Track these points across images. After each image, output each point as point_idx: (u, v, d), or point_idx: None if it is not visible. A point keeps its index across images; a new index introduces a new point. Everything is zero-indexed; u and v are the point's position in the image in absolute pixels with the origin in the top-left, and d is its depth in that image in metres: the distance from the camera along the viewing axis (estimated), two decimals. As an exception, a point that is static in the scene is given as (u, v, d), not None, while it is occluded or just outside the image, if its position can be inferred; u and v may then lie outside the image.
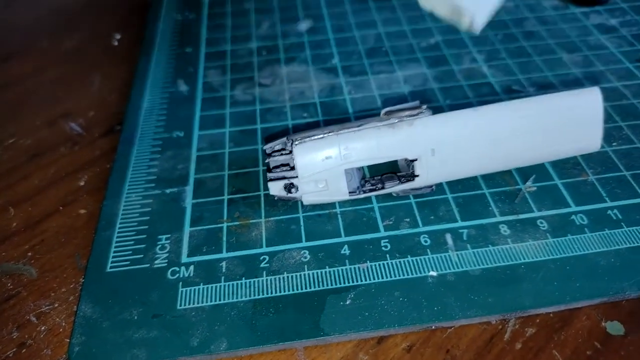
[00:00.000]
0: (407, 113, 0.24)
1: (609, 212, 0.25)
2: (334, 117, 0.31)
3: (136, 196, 0.27)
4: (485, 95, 0.32)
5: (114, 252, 0.25)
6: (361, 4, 0.42)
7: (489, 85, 0.33)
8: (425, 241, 0.24)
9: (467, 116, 0.24)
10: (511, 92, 0.32)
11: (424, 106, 0.25)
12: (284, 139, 0.25)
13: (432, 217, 0.25)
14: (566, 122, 0.25)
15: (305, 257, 0.24)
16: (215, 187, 0.28)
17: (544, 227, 0.25)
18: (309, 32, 0.39)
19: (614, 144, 0.28)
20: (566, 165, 0.27)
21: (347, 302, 0.22)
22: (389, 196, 0.26)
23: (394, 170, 0.27)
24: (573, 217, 0.25)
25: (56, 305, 0.24)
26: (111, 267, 0.24)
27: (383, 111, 0.25)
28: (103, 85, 0.36)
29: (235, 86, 0.34)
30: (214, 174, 0.28)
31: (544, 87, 0.32)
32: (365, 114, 0.31)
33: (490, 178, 0.27)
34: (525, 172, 0.27)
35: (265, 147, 0.25)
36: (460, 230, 0.25)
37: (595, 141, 0.26)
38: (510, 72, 0.34)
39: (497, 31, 0.37)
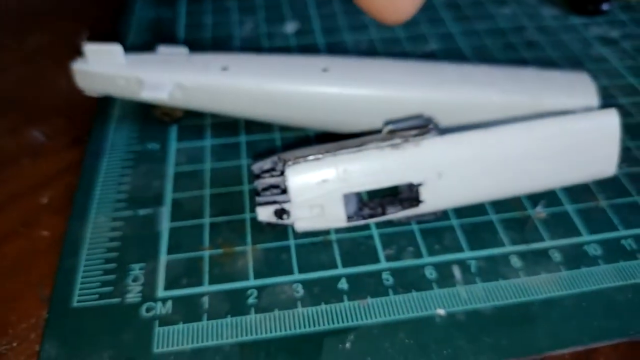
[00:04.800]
0: (412, 132, 0.22)
1: (623, 241, 0.23)
2: (327, 132, 0.29)
3: (105, 218, 0.24)
4: (486, 110, 0.30)
5: (81, 283, 0.22)
6: (351, 5, 0.39)
7: (489, 99, 0.31)
8: (431, 274, 0.22)
9: (477, 137, 0.22)
10: (513, 107, 0.30)
11: (431, 125, 0.22)
12: (275, 157, 0.23)
13: (437, 246, 0.23)
14: (580, 145, 0.23)
15: (299, 292, 0.21)
16: (195, 208, 0.25)
17: (556, 258, 0.23)
18: (297, 35, 0.36)
19: (623, 165, 0.27)
20: (575, 190, 0.26)
21: (347, 346, 0.20)
22: (389, 222, 0.24)
23: (394, 192, 0.24)
24: (586, 247, 0.23)
25: (14, 344, 0.21)
26: (78, 301, 0.21)
27: (385, 129, 0.23)
28: (70, 88, 0.33)
29: (217, 93, 0.31)
30: (193, 193, 0.25)
31: (547, 102, 0.30)
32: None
33: (497, 203, 0.25)
34: (534, 197, 0.25)
35: (253, 167, 0.23)
36: (468, 262, 0.22)
37: (609, 166, 0.24)
38: (510, 85, 0.32)
39: (495, 40, 0.36)
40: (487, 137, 0.22)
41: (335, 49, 0.35)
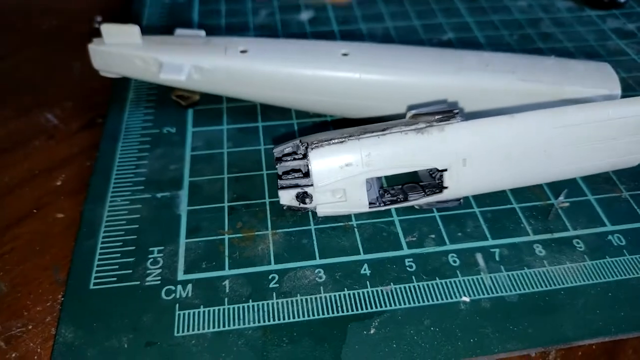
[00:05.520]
0: (437, 117, 0.22)
1: (647, 232, 0.23)
2: (344, 117, 0.28)
3: (122, 200, 0.24)
4: (505, 99, 0.29)
5: (98, 265, 0.21)
6: (366, -5, 0.39)
7: (508, 89, 0.30)
8: (454, 261, 0.22)
9: (503, 123, 0.22)
10: (532, 97, 0.30)
11: (456, 110, 0.22)
12: (296, 141, 0.22)
13: (459, 234, 0.23)
14: (608, 134, 0.23)
15: (321, 277, 0.21)
16: (213, 192, 0.24)
17: (580, 247, 0.22)
18: (311, 23, 0.36)
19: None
20: (597, 180, 0.25)
21: (372, 331, 0.19)
22: (410, 208, 0.24)
23: (413, 179, 0.24)
24: (610, 237, 0.23)
25: (30, 327, 0.20)
26: (95, 284, 0.21)
27: (409, 113, 0.22)
28: (83, 71, 0.32)
29: (232, 79, 0.31)
30: (211, 177, 0.25)
31: (567, 93, 0.30)
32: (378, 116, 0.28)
33: (519, 191, 0.24)
34: (556, 186, 0.25)
35: (274, 150, 0.22)
36: (492, 250, 0.22)
37: (636, 156, 0.23)
38: (529, 75, 0.31)
39: (512, 31, 0.35)
40: (513, 124, 0.22)
41: (351, 37, 0.34)
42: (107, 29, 0.26)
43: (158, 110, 0.29)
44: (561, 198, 0.24)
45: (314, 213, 0.23)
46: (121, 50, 0.26)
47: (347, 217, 0.23)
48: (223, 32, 0.35)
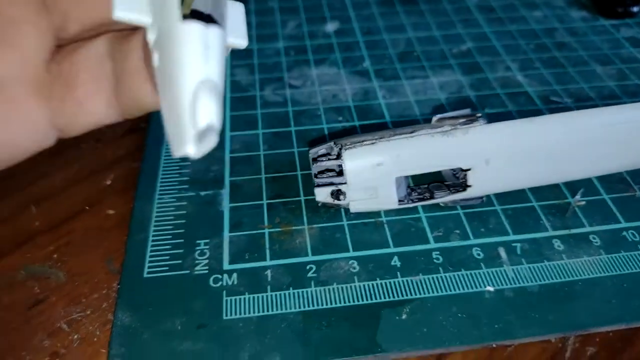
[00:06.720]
0: (461, 120, 0.24)
1: (660, 229, 0.25)
2: (371, 122, 0.30)
3: (169, 198, 0.26)
4: (523, 105, 0.31)
5: (151, 256, 0.23)
6: (388, 7, 0.41)
7: (526, 95, 0.32)
8: (478, 254, 0.23)
9: (524, 126, 0.23)
10: (549, 103, 0.31)
11: (479, 114, 0.24)
12: (331, 143, 0.24)
13: (482, 230, 0.24)
14: (624, 136, 0.24)
15: (354, 268, 0.23)
16: (252, 190, 0.26)
17: (596, 242, 0.24)
18: (337, 34, 0.38)
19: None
20: (612, 179, 0.27)
21: (403, 317, 0.21)
22: (435, 206, 0.25)
23: (437, 178, 0.26)
24: (625, 233, 0.24)
25: (88, 312, 0.22)
26: (148, 272, 0.23)
27: (435, 118, 0.24)
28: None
29: (265, 86, 0.33)
30: (250, 177, 0.27)
31: (582, 100, 0.32)
32: (404, 120, 0.30)
33: (538, 190, 0.26)
34: (572, 185, 0.26)
35: (310, 152, 0.24)
36: (514, 244, 0.24)
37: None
38: (545, 83, 0.33)
39: (528, 40, 0.37)
40: (534, 127, 0.24)
41: (374, 47, 0.36)
42: None
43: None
44: (578, 197, 0.26)
45: (346, 210, 0.25)
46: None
47: (377, 214, 0.25)
48: (254, 43, 0.37)
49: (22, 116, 0.17)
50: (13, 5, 0.16)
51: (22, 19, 0.16)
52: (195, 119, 0.13)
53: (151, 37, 0.15)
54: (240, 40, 0.17)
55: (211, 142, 0.14)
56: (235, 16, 0.17)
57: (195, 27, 0.14)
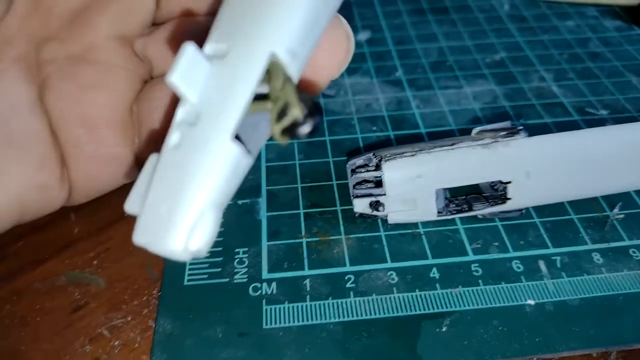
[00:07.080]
0: (502, 133, 0.24)
1: (701, 244, 0.24)
2: (405, 132, 0.30)
3: (207, 206, 0.26)
4: (559, 116, 0.31)
5: (190, 264, 0.24)
6: (420, 16, 0.41)
7: (561, 106, 0.32)
8: (518, 267, 0.23)
9: (565, 139, 0.23)
10: (585, 114, 0.31)
11: (520, 127, 0.24)
12: (370, 154, 0.24)
13: (521, 242, 0.24)
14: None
15: (393, 279, 0.23)
16: (289, 200, 0.26)
17: (637, 256, 0.24)
18: (369, 43, 0.38)
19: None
20: (651, 193, 0.26)
21: (444, 329, 0.21)
22: (473, 218, 0.25)
23: (474, 190, 0.26)
24: (665, 248, 0.24)
25: (129, 318, 0.23)
26: (188, 280, 0.23)
27: (475, 130, 0.24)
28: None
29: (298, 95, 0.33)
30: (286, 186, 0.27)
31: (618, 111, 0.31)
32: (439, 131, 0.30)
33: (576, 203, 0.26)
34: (610, 199, 0.26)
35: (348, 163, 0.25)
36: (553, 258, 0.24)
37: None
38: (580, 93, 0.33)
39: (562, 50, 0.37)
40: (575, 140, 0.23)
41: (407, 56, 0.36)
42: None
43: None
44: (616, 210, 0.26)
45: (384, 220, 0.25)
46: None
47: (414, 225, 0.25)
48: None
49: (110, 155, 0.19)
50: (107, 51, 0.18)
51: (115, 64, 0.18)
52: (189, 240, 0.13)
53: (182, 114, 0.14)
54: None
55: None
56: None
57: (237, 151, 0.13)
